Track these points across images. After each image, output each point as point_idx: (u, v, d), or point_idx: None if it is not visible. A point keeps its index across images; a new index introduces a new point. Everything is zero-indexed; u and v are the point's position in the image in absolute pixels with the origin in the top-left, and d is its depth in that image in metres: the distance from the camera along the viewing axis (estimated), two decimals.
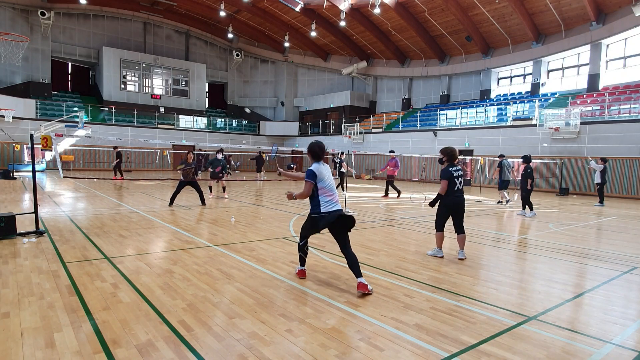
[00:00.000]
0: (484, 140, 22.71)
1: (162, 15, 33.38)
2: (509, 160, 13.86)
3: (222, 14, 29.00)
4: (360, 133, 29.62)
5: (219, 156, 12.92)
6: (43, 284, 4.07)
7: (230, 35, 34.27)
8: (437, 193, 5.62)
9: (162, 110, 32.72)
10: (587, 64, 22.47)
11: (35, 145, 8.51)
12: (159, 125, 31.10)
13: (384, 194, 14.67)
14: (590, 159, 15.90)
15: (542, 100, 22.58)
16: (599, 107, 19.41)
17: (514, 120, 21.93)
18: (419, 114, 27.52)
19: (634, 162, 17.15)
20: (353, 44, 31.80)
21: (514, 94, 26.09)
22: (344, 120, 31.80)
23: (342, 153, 14.95)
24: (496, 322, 3.44)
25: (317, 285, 4.29)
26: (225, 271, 4.72)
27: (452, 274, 4.85)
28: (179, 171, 10.62)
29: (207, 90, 36.89)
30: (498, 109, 24.04)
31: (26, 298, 3.68)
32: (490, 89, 26.79)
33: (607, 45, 21.72)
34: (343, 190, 11.84)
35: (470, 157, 20.09)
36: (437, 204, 5.65)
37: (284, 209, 10.61)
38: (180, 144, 28.46)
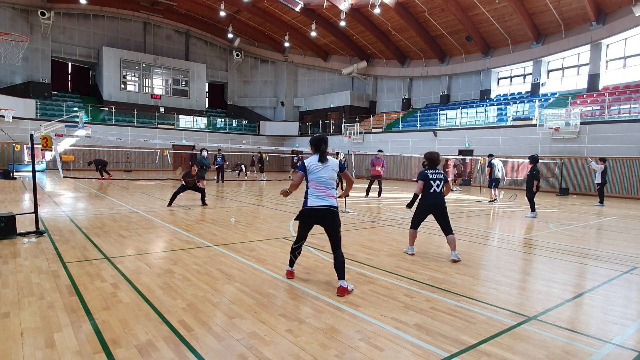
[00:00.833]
0: (484, 140, 22.69)
1: (162, 15, 33.37)
2: (497, 160, 13.73)
3: (222, 14, 28.99)
4: (360, 133, 29.62)
5: (204, 154, 13.08)
6: (43, 284, 4.07)
7: (230, 35, 34.25)
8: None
9: (162, 110, 32.71)
10: (587, 64, 22.47)
11: (35, 145, 8.51)
12: (159, 126, 31.09)
13: (377, 194, 14.65)
14: (590, 160, 15.88)
15: (542, 100, 22.57)
16: (599, 107, 19.40)
17: (514, 120, 21.92)
18: (419, 114, 27.52)
19: (634, 162, 17.14)
20: (353, 44, 31.79)
21: (514, 94, 26.07)
22: (344, 120, 31.78)
23: (339, 153, 15.00)
24: (496, 322, 3.43)
25: (317, 286, 4.29)
26: (225, 271, 4.72)
27: (452, 274, 4.85)
28: (182, 178, 10.65)
29: (207, 90, 36.87)
30: (498, 109, 24.03)
31: (26, 298, 3.68)
32: (490, 89, 26.79)
33: (607, 45, 21.71)
34: (342, 190, 11.81)
35: (470, 157, 20.09)
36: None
37: (284, 209, 10.61)
38: (180, 144, 28.49)
